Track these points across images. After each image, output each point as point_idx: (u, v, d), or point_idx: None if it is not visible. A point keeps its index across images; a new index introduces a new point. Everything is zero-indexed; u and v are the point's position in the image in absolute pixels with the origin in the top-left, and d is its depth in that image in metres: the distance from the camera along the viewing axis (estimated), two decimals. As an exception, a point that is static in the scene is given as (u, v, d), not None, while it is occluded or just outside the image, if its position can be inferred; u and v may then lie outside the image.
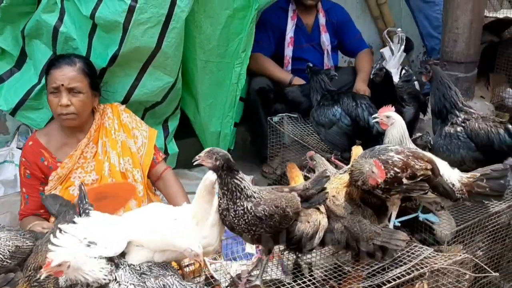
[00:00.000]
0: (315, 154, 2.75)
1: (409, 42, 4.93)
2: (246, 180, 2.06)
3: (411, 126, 3.30)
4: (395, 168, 2.23)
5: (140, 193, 2.82)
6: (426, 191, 2.30)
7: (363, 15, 5.20)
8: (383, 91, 3.47)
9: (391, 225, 2.38)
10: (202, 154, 1.98)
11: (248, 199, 2.02)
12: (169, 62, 3.05)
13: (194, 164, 2.01)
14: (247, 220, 2.01)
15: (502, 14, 4.66)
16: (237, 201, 2.01)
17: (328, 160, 2.86)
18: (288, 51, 4.15)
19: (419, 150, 2.46)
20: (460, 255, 2.29)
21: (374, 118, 2.70)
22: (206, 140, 3.73)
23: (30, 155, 2.72)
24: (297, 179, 2.47)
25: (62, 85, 2.61)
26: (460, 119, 2.86)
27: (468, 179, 2.42)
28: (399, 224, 2.43)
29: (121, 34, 2.86)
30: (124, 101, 3.11)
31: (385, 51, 4.32)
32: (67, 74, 2.64)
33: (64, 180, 2.73)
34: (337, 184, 2.39)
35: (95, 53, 2.95)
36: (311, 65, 3.54)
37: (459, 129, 2.84)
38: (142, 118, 3.29)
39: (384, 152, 2.32)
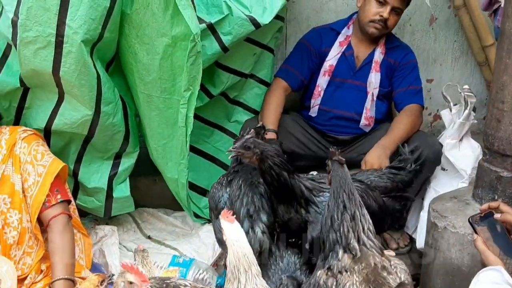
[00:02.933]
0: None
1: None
2: None
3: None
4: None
5: (10, 240, 2.45)
6: None
7: (464, 58, 3.82)
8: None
9: None
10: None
11: None
12: (77, 92, 2.62)
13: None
14: None
15: None
16: None
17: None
18: (322, 81, 3.30)
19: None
20: None
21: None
22: (168, 185, 3.16)
23: None
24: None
25: None
26: (338, 264, 1.73)
27: None
28: None
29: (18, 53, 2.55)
30: (47, 129, 2.80)
31: (445, 114, 3.08)
32: None
33: None
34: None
35: (10, 70, 2.69)
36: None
37: (330, 282, 1.71)
38: (83, 151, 2.93)
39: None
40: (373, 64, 3.26)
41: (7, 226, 2.45)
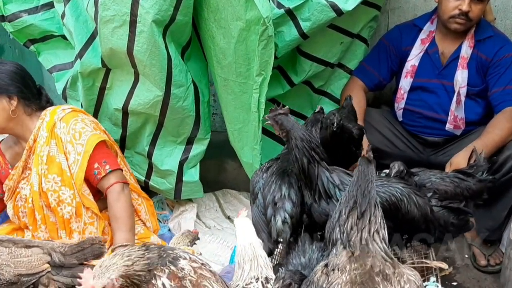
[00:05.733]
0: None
1: None
2: None
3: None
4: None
5: (66, 215, 2.57)
6: None
7: None
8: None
9: None
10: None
11: None
12: (148, 71, 2.64)
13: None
14: None
15: None
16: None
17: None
18: (405, 83, 3.03)
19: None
20: None
21: None
22: (245, 170, 3.09)
23: None
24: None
25: None
26: (334, 262, 1.56)
27: None
28: None
29: (98, 32, 2.63)
30: (124, 109, 2.87)
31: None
32: None
33: (13, 191, 2.68)
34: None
35: (95, 51, 2.79)
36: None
37: (322, 280, 1.52)
38: (158, 134, 2.97)
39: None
40: (459, 60, 2.87)
41: (61, 202, 2.54)
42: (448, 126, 2.94)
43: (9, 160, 2.72)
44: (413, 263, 2.17)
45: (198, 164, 3.08)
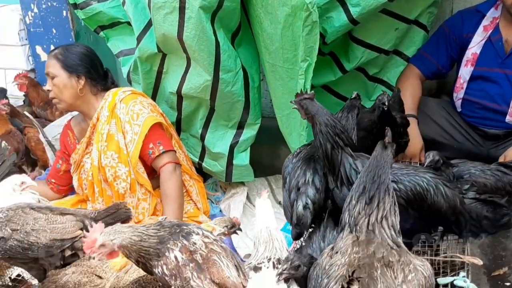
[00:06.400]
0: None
1: None
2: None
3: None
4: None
5: (121, 190, 2.76)
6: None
7: None
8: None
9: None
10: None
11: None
12: (197, 56, 2.73)
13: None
14: None
15: None
16: None
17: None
18: (465, 72, 2.91)
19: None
20: None
21: None
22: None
23: (62, 134, 3.04)
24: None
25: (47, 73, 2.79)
26: (339, 245, 1.56)
27: None
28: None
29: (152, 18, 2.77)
30: (178, 93, 3.00)
31: None
32: (47, 63, 2.81)
33: (78, 165, 2.92)
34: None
35: (152, 37, 2.92)
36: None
37: (325, 262, 1.51)
38: (210, 118, 3.08)
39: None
40: None
41: (117, 178, 2.73)
42: (508, 119, 2.78)
43: (77, 136, 2.97)
44: (445, 256, 2.09)
45: (249, 148, 3.14)
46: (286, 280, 1.70)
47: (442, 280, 1.91)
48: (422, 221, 1.95)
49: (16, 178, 2.21)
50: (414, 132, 2.73)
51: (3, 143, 2.60)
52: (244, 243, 2.91)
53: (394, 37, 2.97)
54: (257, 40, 2.86)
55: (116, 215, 2.00)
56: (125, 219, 2.00)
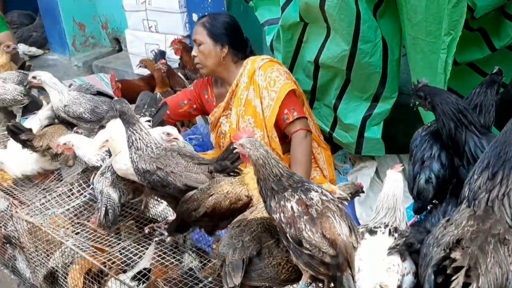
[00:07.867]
0: None
1: None
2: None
3: None
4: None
5: None
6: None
7: None
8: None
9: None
10: None
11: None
12: (337, 26, 2.77)
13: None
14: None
15: None
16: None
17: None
18: None
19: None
20: None
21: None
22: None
23: (201, 83, 3.25)
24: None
25: (195, 40, 3.00)
26: (454, 218, 1.50)
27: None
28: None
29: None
30: (315, 62, 3.07)
31: None
32: (195, 29, 3.00)
33: (215, 125, 3.16)
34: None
35: (295, 6, 3.02)
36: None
37: (438, 232, 1.47)
38: (345, 89, 3.12)
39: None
40: None
41: None
42: None
43: (215, 94, 3.19)
44: None
45: (382, 122, 3.12)
46: (402, 254, 1.69)
47: None
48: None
49: (165, 129, 2.44)
50: None
51: (158, 95, 2.90)
52: (368, 216, 2.93)
53: (559, 14, 2.70)
54: (400, 12, 2.80)
55: (231, 156, 2.08)
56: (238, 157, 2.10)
